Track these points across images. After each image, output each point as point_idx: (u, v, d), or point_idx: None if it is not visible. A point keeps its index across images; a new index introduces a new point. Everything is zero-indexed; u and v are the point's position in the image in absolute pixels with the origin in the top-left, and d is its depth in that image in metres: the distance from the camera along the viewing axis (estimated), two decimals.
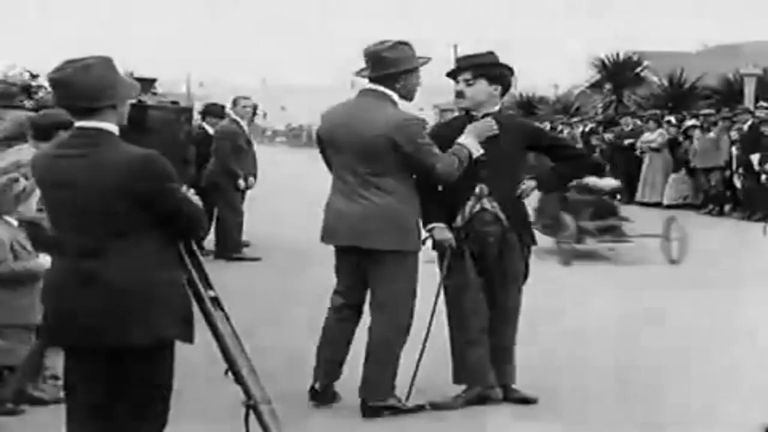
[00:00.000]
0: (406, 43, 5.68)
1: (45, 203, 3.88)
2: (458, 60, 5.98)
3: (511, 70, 5.98)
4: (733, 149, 17.54)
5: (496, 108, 5.86)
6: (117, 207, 3.66)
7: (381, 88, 5.60)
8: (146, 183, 3.67)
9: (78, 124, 3.79)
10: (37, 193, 5.82)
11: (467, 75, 5.83)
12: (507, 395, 5.93)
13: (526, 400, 5.91)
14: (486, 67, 5.82)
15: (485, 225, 5.77)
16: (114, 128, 3.76)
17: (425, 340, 5.80)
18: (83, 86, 3.70)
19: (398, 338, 5.63)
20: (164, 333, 3.72)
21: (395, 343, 5.63)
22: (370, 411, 5.64)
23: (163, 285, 3.73)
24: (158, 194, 3.70)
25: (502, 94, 5.94)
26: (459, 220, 5.78)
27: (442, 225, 5.78)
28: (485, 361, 5.86)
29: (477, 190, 5.77)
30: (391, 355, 5.63)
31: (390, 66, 5.57)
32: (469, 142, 5.64)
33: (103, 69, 3.75)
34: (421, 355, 5.79)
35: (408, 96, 5.69)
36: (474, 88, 5.80)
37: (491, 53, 5.95)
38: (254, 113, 13.47)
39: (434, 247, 5.83)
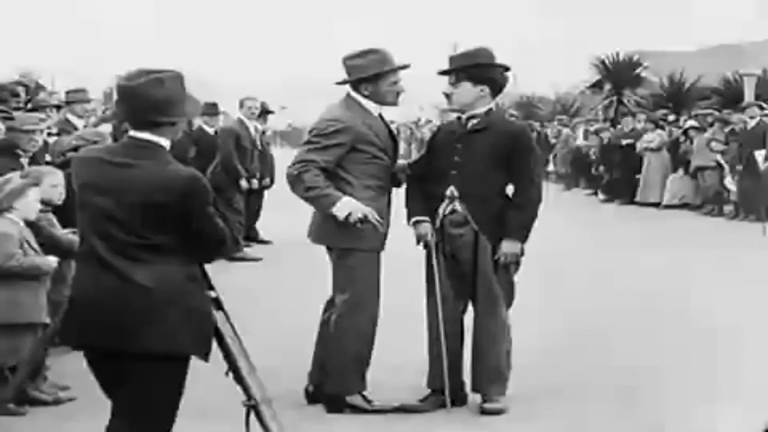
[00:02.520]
0: (375, 51, 5.78)
1: (80, 205, 3.83)
2: (450, 59, 5.94)
3: (501, 68, 5.89)
4: (720, 157, 17.52)
5: (484, 109, 5.81)
6: (154, 220, 3.66)
7: (353, 93, 5.79)
8: (187, 203, 3.68)
9: (132, 133, 3.78)
10: (32, 193, 5.84)
11: (452, 77, 5.84)
12: (481, 405, 5.82)
13: (488, 411, 5.77)
14: (469, 69, 5.76)
15: (455, 227, 5.76)
16: (166, 143, 3.77)
17: (440, 339, 5.80)
18: (153, 99, 3.70)
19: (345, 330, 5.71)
20: (185, 347, 3.73)
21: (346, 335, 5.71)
22: (331, 404, 5.73)
23: (191, 299, 3.74)
24: (195, 216, 3.71)
25: (495, 94, 5.86)
26: (437, 222, 5.80)
27: (423, 219, 5.80)
28: (438, 364, 5.81)
29: (448, 192, 5.77)
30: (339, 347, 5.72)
31: (354, 73, 5.76)
32: (343, 204, 5.57)
33: (175, 85, 3.76)
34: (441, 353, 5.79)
35: (381, 101, 5.81)
36: (458, 90, 5.80)
37: (482, 50, 5.88)
38: (266, 113, 13.48)
39: (417, 242, 5.86)
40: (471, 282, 5.78)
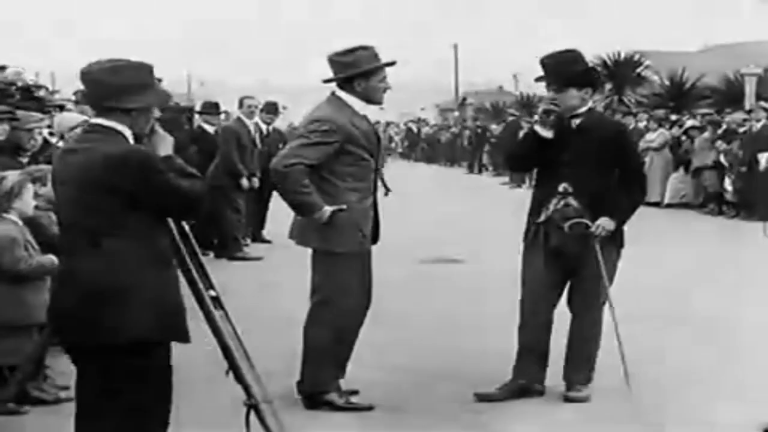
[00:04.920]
0: (365, 48, 5.79)
1: (56, 199, 3.96)
2: (546, 65, 6.06)
3: (595, 70, 6.18)
4: (722, 157, 17.50)
5: (584, 108, 6.03)
6: (104, 203, 3.68)
7: (340, 93, 5.77)
8: (127, 178, 3.67)
9: (92, 120, 3.87)
10: (29, 189, 5.86)
11: (556, 85, 6.01)
12: (566, 394, 6.07)
13: (573, 399, 6.00)
14: (574, 77, 5.97)
15: (567, 220, 5.89)
16: (122, 129, 3.77)
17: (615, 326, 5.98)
18: (107, 85, 3.75)
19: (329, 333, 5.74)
20: (141, 333, 3.70)
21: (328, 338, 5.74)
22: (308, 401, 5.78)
23: (147, 285, 3.71)
24: (142, 188, 3.70)
25: (593, 93, 6.16)
26: (542, 216, 5.94)
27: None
28: (526, 354, 6.04)
29: (561, 188, 5.93)
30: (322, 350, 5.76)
31: (344, 70, 5.72)
32: (323, 214, 5.62)
33: (134, 73, 3.79)
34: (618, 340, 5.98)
35: (371, 99, 5.82)
36: (564, 96, 5.97)
37: (576, 53, 6.10)
38: (275, 111, 13.58)
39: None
40: (573, 274, 5.99)
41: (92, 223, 3.69)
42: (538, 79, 6.12)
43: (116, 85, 3.74)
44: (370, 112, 5.88)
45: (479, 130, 33.72)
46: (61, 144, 7.34)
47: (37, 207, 6.01)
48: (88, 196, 3.69)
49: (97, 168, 3.67)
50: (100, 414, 3.77)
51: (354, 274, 5.74)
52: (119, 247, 3.68)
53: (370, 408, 5.79)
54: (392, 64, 5.89)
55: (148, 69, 3.85)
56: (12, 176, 5.91)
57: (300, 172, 5.60)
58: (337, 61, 5.76)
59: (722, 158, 17.46)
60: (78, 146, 3.83)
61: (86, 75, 3.79)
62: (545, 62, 6.05)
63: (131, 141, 3.79)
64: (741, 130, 17.35)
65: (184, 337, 3.82)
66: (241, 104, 12.75)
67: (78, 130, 7.17)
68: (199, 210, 3.89)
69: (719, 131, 17.70)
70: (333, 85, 5.83)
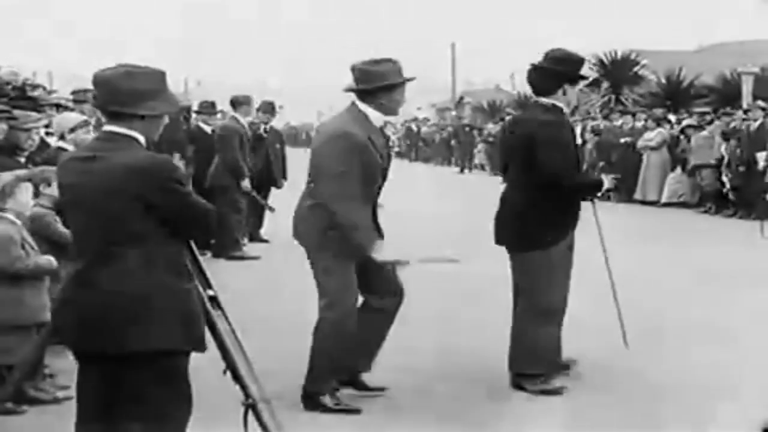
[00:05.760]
0: (392, 61, 5.78)
1: (63, 206, 3.95)
2: (586, 63, 6.39)
3: None
4: (723, 149, 17.51)
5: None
6: (121, 211, 3.66)
7: (359, 103, 5.73)
8: (149, 187, 3.66)
9: (105, 127, 3.83)
10: (25, 188, 5.85)
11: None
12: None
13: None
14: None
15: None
16: (137, 136, 3.76)
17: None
18: (119, 91, 3.73)
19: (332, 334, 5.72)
20: (163, 342, 3.70)
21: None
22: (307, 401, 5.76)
23: (167, 293, 3.71)
24: (163, 199, 3.69)
25: None
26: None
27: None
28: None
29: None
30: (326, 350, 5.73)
31: (369, 80, 5.69)
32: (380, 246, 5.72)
33: (145, 79, 3.77)
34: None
35: (391, 111, 5.83)
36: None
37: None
38: (272, 111, 13.59)
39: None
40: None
41: (110, 230, 3.67)
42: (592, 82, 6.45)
43: (130, 91, 3.73)
44: (368, 112, 5.86)
45: (467, 129, 33.74)
46: (61, 144, 7.33)
47: (41, 206, 6.03)
48: (106, 203, 3.66)
49: (121, 176, 3.65)
50: (113, 419, 3.77)
51: (352, 275, 5.73)
52: (139, 256, 3.67)
53: (357, 411, 5.77)
54: (412, 79, 5.90)
55: (161, 75, 3.83)
56: (5, 176, 5.90)
57: (356, 208, 5.60)
58: (364, 69, 5.71)
59: (723, 150, 17.44)
60: (94, 154, 3.76)
61: (99, 79, 3.76)
62: (585, 60, 6.25)
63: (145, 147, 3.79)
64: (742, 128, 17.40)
65: (203, 346, 3.83)
66: (233, 104, 12.71)
67: (81, 133, 7.16)
68: (210, 232, 3.92)
69: (731, 125, 17.68)
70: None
